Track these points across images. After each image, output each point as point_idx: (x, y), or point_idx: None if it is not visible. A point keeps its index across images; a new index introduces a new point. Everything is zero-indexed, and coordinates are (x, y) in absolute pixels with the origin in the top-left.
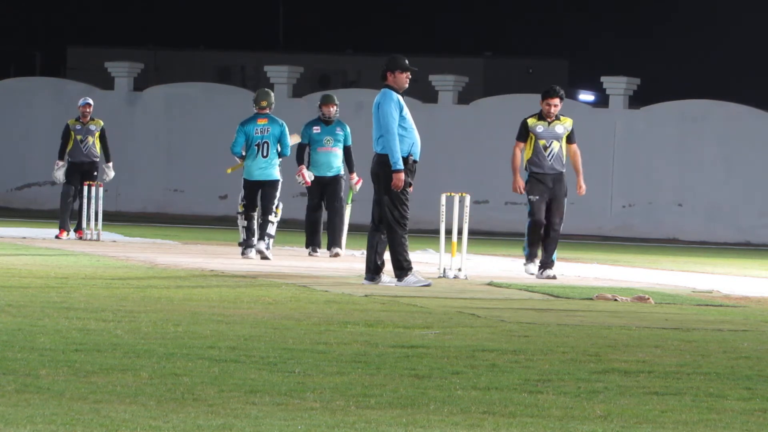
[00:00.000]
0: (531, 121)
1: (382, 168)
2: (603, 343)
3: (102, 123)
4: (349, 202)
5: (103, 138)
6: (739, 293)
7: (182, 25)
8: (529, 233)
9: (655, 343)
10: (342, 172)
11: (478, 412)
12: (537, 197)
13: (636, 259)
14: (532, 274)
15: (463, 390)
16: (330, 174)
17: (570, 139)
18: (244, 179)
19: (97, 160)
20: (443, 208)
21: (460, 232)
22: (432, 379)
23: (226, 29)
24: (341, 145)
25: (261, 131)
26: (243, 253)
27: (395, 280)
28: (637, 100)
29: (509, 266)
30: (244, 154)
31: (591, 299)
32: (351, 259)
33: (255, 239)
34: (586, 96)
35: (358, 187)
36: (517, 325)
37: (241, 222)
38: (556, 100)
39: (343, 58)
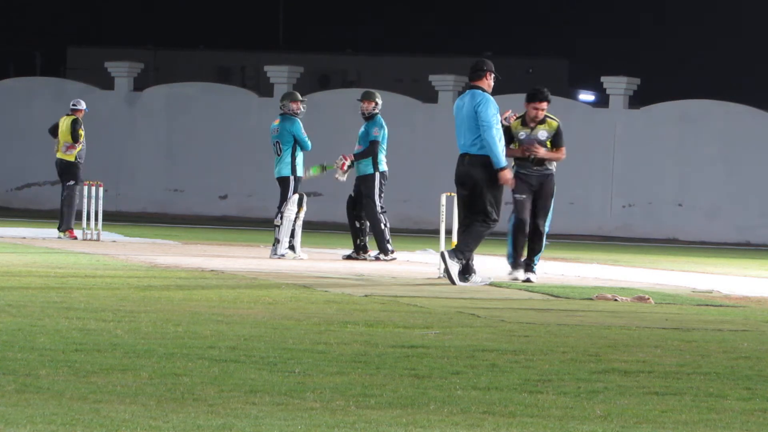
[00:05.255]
0: (515, 125)
1: (481, 169)
2: (603, 343)
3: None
4: (314, 172)
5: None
6: (739, 293)
7: (182, 25)
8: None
9: (655, 343)
10: (372, 171)
11: (478, 412)
12: (523, 196)
13: (636, 259)
14: (517, 279)
15: (463, 390)
16: (361, 174)
17: (556, 143)
18: None
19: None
20: (443, 208)
21: None
22: (432, 379)
23: (226, 29)
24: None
25: (273, 131)
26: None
27: (487, 278)
28: (637, 100)
29: (509, 266)
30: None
31: (591, 299)
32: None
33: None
34: (586, 96)
35: (342, 170)
36: (517, 325)
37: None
38: (544, 104)
39: (343, 58)
